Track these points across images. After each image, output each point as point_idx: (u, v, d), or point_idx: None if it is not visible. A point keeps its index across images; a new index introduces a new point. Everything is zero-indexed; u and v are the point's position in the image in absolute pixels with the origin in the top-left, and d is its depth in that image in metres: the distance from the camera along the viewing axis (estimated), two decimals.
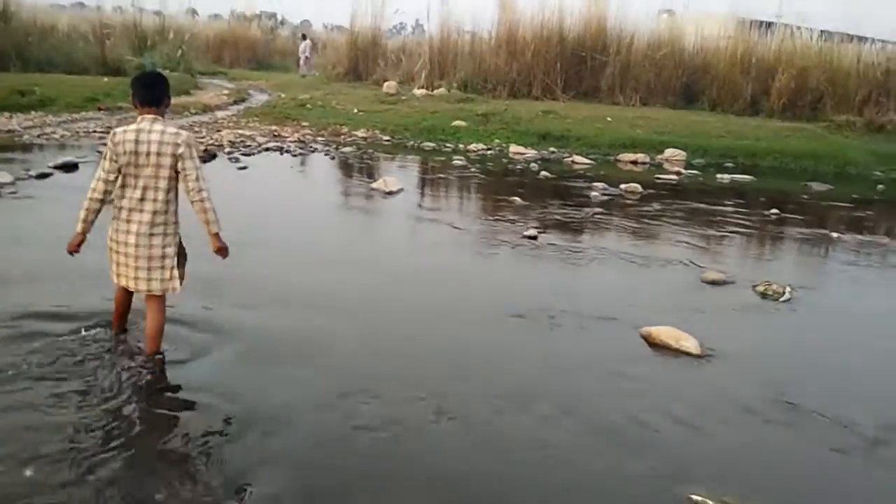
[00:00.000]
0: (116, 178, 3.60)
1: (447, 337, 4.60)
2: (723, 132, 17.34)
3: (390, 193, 8.89)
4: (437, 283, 5.57)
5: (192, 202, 3.59)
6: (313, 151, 12.25)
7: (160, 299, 3.72)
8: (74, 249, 3.66)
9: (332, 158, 11.80)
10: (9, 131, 11.66)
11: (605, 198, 9.69)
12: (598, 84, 21.36)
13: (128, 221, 3.59)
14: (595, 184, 10.67)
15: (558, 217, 8.18)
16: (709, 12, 22.57)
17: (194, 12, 38.80)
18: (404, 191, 9.14)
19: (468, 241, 6.82)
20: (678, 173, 12.77)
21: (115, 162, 3.58)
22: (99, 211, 3.63)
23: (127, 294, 3.87)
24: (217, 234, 3.63)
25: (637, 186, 10.43)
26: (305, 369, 3.89)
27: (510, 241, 6.86)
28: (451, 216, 7.89)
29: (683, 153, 15.35)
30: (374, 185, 9.14)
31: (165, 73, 21.37)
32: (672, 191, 10.95)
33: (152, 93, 3.69)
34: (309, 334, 4.37)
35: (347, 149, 12.76)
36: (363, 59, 25.08)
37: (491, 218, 7.88)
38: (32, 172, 8.11)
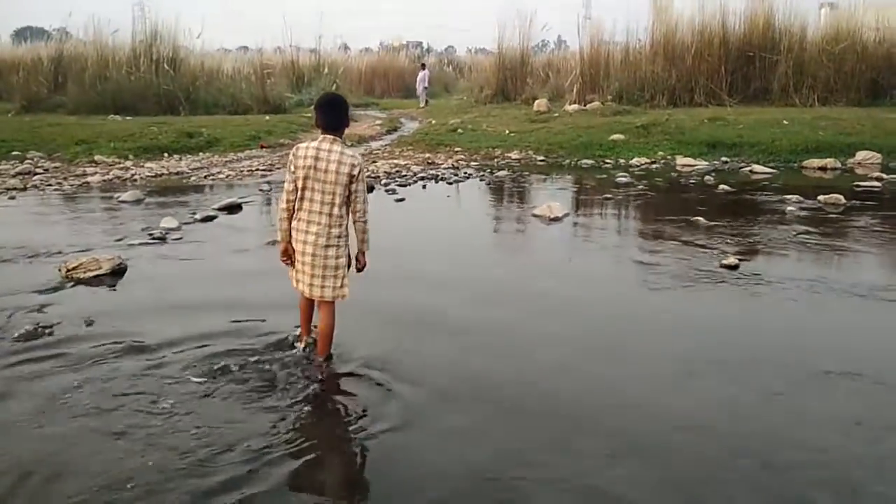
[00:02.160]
0: (295, 188, 3.86)
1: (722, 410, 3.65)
2: None
3: (555, 220, 8.18)
4: (645, 336, 4.65)
5: (354, 221, 3.95)
6: (468, 177, 11.80)
7: (331, 305, 4.01)
8: (284, 258, 4.04)
9: (488, 184, 11.28)
10: (178, 173, 12.10)
11: (804, 213, 8.45)
12: (769, 85, 19.64)
13: (306, 232, 3.89)
14: (786, 196, 9.42)
15: (755, 239, 7.09)
16: (881, 2, 20.04)
17: (346, 47, 40.27)
18: (569, 216, 8.40)
19: (658, 278, 5.85)
20: (879, 179, 11.13)
21: (294, 173, 3.87)
22: (290, 219, 3.94)
23: (308, 299, 4.12)
24: (364, 253, 4.03)
25: (839, 197, 9.07)
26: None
27: (707, 273, 5.88)
28: (629, 244, 7.03)
29: (878, 156, 13.53)
30: (537, 210, 8.47)
31: None
32: (880, 200, 9.47)
33: (337, 117, 3.93)
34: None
35: (502, 172, 12.21)
36: (511, 78, 24.60)
37: (676, 244, 6.93)
38: (198, 216, 8.15)
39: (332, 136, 3.86)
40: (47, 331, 4.38)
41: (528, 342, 4.50)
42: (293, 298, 4.22)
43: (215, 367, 3.95)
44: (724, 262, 6.01)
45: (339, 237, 3.89)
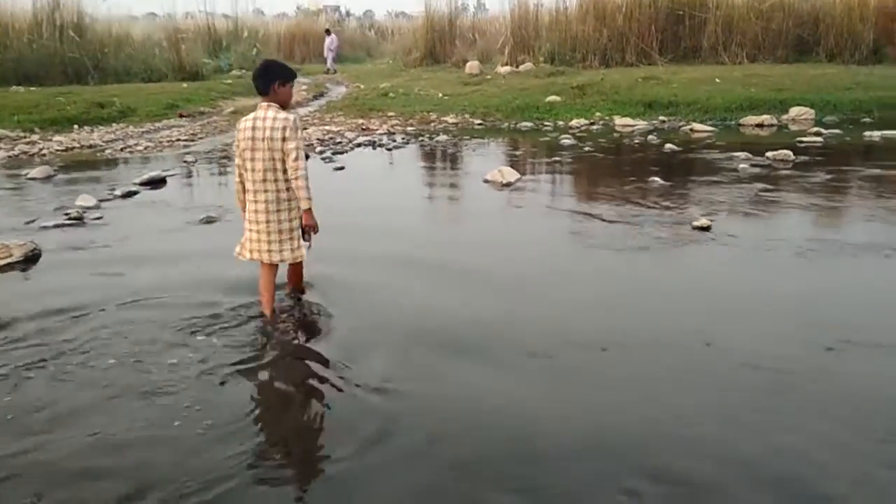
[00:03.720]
0: (242, 160, 3.93)
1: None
2: (849, 84, 15.48)
3: (508, 185, 7.77)
4: (643, 309, 4.24)
5: (290, 178, 3.87)
6: (407, 143, 11.27)
7: (297, 265, 4.22)
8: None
9: (429, 149, 10.76)
10: (90, 146, 11.11)
11: (757, 170, 8.29)
12: (699, 43, 19.65)
13: (255, 201, 3.94)
14: (734, 154, 9.28)
15: (719, 199, 6.85)
16: None
17: (261, 12, 38.63)
18: (521, 180, 8.00)
19: (635, 240, 5.48)
20: (818, 134, 11.15)
21: (238, 147, 3.96)
22: (244, 190, 3.99)
23: (268, 267, 4.07)
24: (308, 210, 3.93)
25: (788, 153, 8.97)
26: None
27: (682, 234, 5.58)
28: (594, 207, 6.66)
29: (811, 111, 13.67)
30: (489, 176, 8.03)
31: (241, 72, 21.07)
32: (826, 155, 9.43)
33: (262, 82, 3.91)
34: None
35: (442, 137, 11.71)
36: (440, 41, 23.93)
37: (641, 205, 6.62)
38: (118, 192, 7.37)
39: (265, 103, 3.89)
40: None
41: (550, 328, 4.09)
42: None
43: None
44: (696, 223, 5.73)
45: (288, 200, 3.92)
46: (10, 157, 10.11)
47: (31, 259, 4.93)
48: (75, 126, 12.93)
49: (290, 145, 3.80)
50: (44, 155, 10.30)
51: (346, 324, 4.01)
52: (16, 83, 17.55)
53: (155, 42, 22.98)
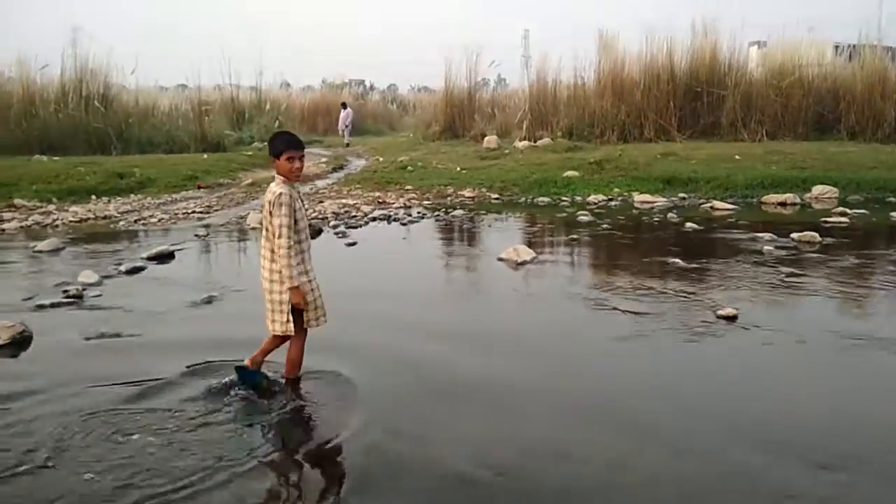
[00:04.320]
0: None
1: None
2: (873, 163, 15.33)
3: (523, 264, 7.52)
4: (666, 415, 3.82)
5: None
6: (422, 217, 11.12)
7: (296, 335, 4.04)
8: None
9: (444, 225, 10.59)
10: (105, 217, 11.08)
11: (782, 252, 7.98)
12: (718, 120, 19.64)
13: (261, 269, 3.99)
14: (758, 234, 9.00)
15: (745, 284, 6.53)
16: (801, 40, 20.45)
17: (287, 84, 39.54)
18: (537, 259, 7.75)
19: (652, 332, 5.13)
20: (843, 214, 10.86)
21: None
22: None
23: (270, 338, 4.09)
24: (293, 288, 3.85)
25: (814, 235, 8.67)
26: None
27: (707, 324, 5.24)
28: (613, 292, 6.33)
29: (835, 190, 13.43)
30: (503, 254, 7.79)
31: (262, 145, 21.28)
32: (853, 237, 9.13)
33: (270, 152, 4.01)
34: None
35: (457, 212, 11.56)
36: (459, 115, 24.21)
37: (659, 291, 6.32)
38: (123, 267, 7.20)
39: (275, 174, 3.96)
40: None
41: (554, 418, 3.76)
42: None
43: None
44: (721, 312, 5.40)
45: (278, 272, 3.87)
46: (22, 227, 10.07)
47: (20, 343, 4.70)
48: (93, 196, 12.97)
49: (275, 221, 3.81)
50: (57, 226, 10.26)
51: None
52: (40, 152, 17.83)
53: (180, 113, 23.44)
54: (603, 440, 3.50)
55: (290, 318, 3.93)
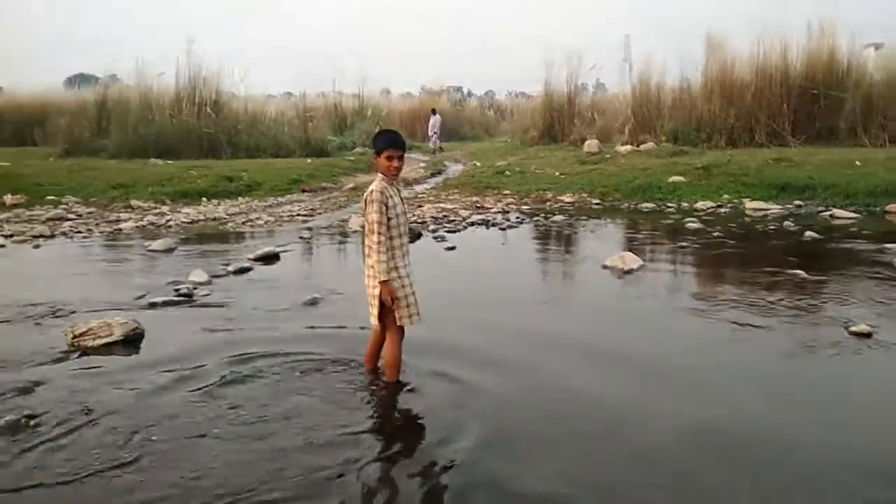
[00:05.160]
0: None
1: None
2: None
3: (629, 272, 7.21)
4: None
5: None
6: (521, 222, 10.94)
7: (391, 333, 4.05)
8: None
9: (544, 230, 10.37)
10: (215, 219, 11.46)
11: None
12: (836, 124, 18.48)
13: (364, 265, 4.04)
14: (886, 246, 8.32)
15: (876, 299, 6.00)
16: None
17: (388, 91, 40.14)
18: (645, 267, 7.42)
19: (773, 347, 4.80)
20: None
21: None
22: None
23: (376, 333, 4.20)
24: (383, 282, 3.86)
25: None
26: None
27: (838, 342, 4.82)
28: (729, 303, 5.96)
29: None
30: (608, 262, 7.51)
31: (364, 150, 21.64)
32: None
33: (373, 149, 4.05)
34: None
35: (558, 217, 11.31)
36: (558, 119, 23.92)
37: (781, 304, 5.88)
38: (231, 267, 7.37)
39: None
40: (31, 422, 3.54)
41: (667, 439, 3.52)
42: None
43: None
44: (854, 328, 4.96)
45: (371, 267, 3.90)
46: (138, 227, 10.54)
47: (132, 340, 4.83)
48: (203, 199, 13.48)
49: (367, 217, 3.88)
50: (170, 226, 10.68)
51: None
52: (155, 156, 18.77)
53: (286, 120, 24.18)
54: (722, 471, 3.22)
55: (377, 311, 3.96)
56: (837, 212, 11.64)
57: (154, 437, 3.39)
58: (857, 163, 14.94)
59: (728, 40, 20.08)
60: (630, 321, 5.67)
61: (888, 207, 12.03)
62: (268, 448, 3.31)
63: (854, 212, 11.67)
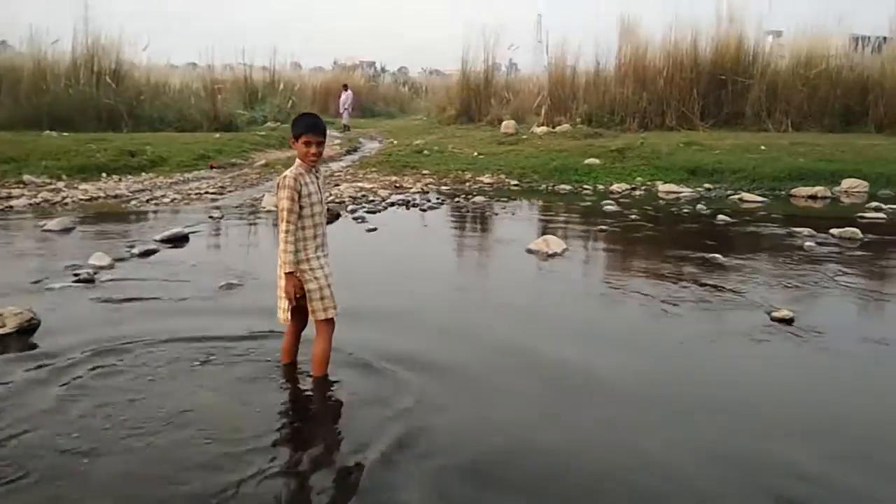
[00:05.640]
0: None
1: None
2: None
3: (553, 255, 7.17)
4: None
5: None
6: (441, 203, 10.77)
7: (319, 327, 3.82)
8: None
9: (466, 211, 10.24)
10: (116, 196, 10.76)
11: (825, 249, 7.62)
12: (742, 109, 19.20)
13: None
14: (795, 229, 8.62)
15: (793, 283, 6.17)
16: (818, 31, 19.91)
17: (298, 65, 39.05)
18: (568, 250, 7.40)
19: (700, 334, 4.85)
20: (878, 209, 10.46)
21: None
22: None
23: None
24: (287, 274, 3.64)
25: (855, 231, 8.30)
26: None
27: (762, 327, 4.86)
28: (656, 288, 5.98)
29: (865, 184, 13.02)
30: (533, 245, 7.44)
31: (276, 125, 20.93)
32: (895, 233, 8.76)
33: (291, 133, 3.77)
34: None
35: (478, 198, 11.20)
36: (475, 98, 23.79)
37: (706, 288, 5.96)
38: (136, 249, 6.87)
39: None
40: None
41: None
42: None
43: None
44: (776, 314, 5.04)
45: (278, 257, 3.70)
46: (31, 204, 9.76)
47: (28, 330, 4.37)
48: (103, 174, 12.64)
49: (277, 205, 3.68)
50: (66, 204, 9.94)
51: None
52: (49, 128, 17.49)
53: (192, 91, 23.05)
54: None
55: (286, 305, 3.72)
56: (745, 195, 12.04)
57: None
58: (763, 147, 15.53)
59: (641, 26, 20.48)
60: (555, 306, 5.59)
61: (793, 191, 12.55)
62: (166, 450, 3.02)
63: (761, 195, 12.08)
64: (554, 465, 3.05)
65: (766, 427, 3.46)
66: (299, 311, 3.78)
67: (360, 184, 12.37)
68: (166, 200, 10.46)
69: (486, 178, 13.71)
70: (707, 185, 13.15)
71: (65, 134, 16.78)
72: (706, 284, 6.09)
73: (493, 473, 2.98)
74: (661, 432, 3.37)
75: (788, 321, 4.95)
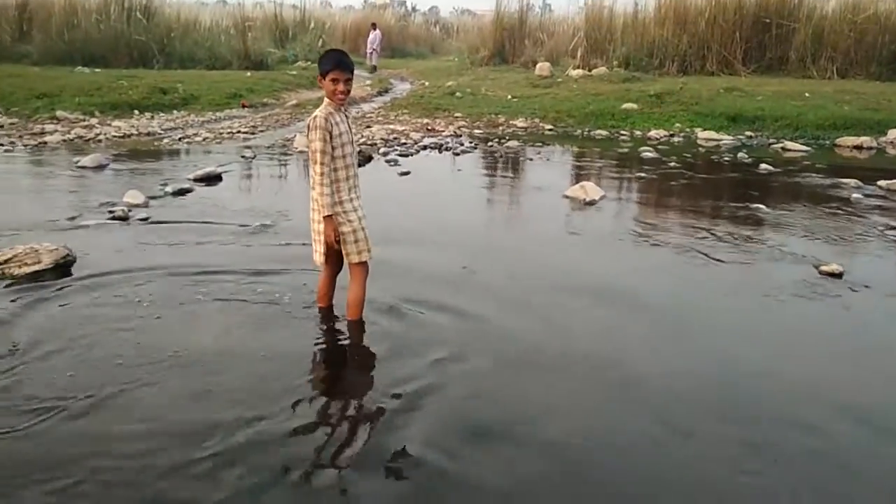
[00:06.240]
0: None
1: None
2: None
3: (591, 203, 7.01)
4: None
5: None
6: (475, 147, 10.58)
7: (353, 270, 3.75)
8: None
9: (500, 156, 10.05)
10: (149, 134, 10.73)
11: (872, 201, 7.35)
12: (786, 54, 18.47)
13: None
14: (841, 180, 8.33)
15: (840, 235, 5.96)
16: None
17: (328, 4, 38.39)
18: (606, 198, 7.23)
19: (747, 285, 4.70)
20: None
21: None
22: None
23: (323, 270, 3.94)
24: (326, 217, 3.53)
25: None
26: None
27: (810, 281, 4.71)
28: (691, 237, 5.83)
29: None
30: (569, 192, 7.28)
31: (307, 64, 20.66)
32: None
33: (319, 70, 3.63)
34: None
35: (511, 143, 10.99)
36: (509, 39, 23.19)
37: (747, 240, 5.78)
38: (169, 188, 6.84)
39: None
40: None
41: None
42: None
43: None
44: (825, 268, 4.87)
45: (315, 200, 3.60)
46: (65, 140, 9.77)
47: (63, 266, 4.37)
48: (136, 111, 12.62)
49: (309, 146, 3.55)
50: (100, 141, 9.94)
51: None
52: (81, 63, 17.47)
53: (222, 29, 22.79)
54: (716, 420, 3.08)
55: (323, 248, 3.65)
56: (788, 144, 11.66)
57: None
58: (807, 94, 15.00)
59: None
60: (598, 256, 5.46)
61: (837, 141, 12.13)
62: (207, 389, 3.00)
63: (804, 144, 11.70)
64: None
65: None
66: (334, 254, 3.71)
67: (391, 126, 12.19)
68: (198, 139, 10.41)
69: (519, 122, 13.44)
70: (748, 133, 12.77)
71: (97, 70, 16.76)
72: (750, 236, 5.91)
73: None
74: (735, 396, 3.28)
75: (838, 276, 4.78)
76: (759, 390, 3.28)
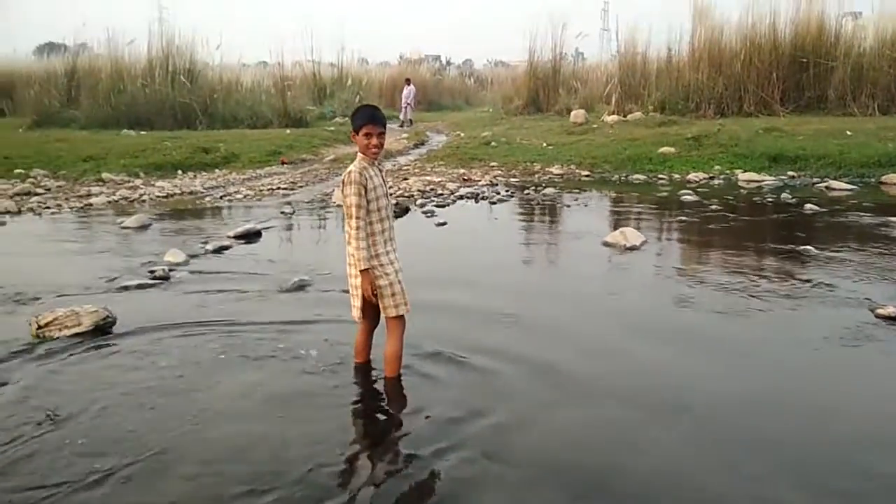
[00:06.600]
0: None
1: None
2: None
3: (632, 249, 6.88)
4: None
5: None
6: (511, 195, 10.56)
7: (390, 325, 3.69)
8: None
9: (536, 204, 10.00)
10: (191, 193, 10.95)
11: None
12: (825, 93, 18.26)
13: None
14: (890, 219, 8.07)
15: (892, 277, 5.74)
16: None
17: (365, 61, 39.24)
18: (648, 243, 7.09)
19: (811, 333, 4.52)
20: None
21: None
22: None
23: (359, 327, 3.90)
24: (362, 271, 3.49)
25: None
26: None
27: (864, 325, 4.52)
28: (740, 281, 5.64)
29: None
30: (609, 238, 7.17)
31: (344, 120, 21.05)
32: None
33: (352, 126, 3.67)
34: None
35: (548, 190, 10.95)
36: (543, 88, 23.41)
37: (797, 283, 5.58)
38: (209, 246, 6.92)
39: None
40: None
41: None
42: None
43: None
44: (881, 311, 4.67)
45: (351, 255, 3.57)
46: (109, 202, 10.02)
47: (102, 328, 4.40)
48: (179, 171, 12.93)
49: (344, 201, 3.53)
50: (144, 201, 10.16)
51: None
52: (128, 126, 18.07)
53: (263, 89, 23.45)
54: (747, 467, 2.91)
55: (360, 303, 3.59)
56: (832, 183, 11.40)
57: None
58: (849, 132, 14.72)
59: (716, 8, 19.71)
60: (646, 306, 5.31)
61: (883, 178, 11.83)
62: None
63: (849, 183, 11.43)
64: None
65: None
66: (371, 309, 3.67)
67: (428, 177, 12.26)
68: (239, 196, 10.58)
69: (555, 170, 13.43)
70: (790, 173, 12.54)
71: (142, 132, 17.30)
72: (798, 277, 5.71)
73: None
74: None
75: (894, 319, 4.56)
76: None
